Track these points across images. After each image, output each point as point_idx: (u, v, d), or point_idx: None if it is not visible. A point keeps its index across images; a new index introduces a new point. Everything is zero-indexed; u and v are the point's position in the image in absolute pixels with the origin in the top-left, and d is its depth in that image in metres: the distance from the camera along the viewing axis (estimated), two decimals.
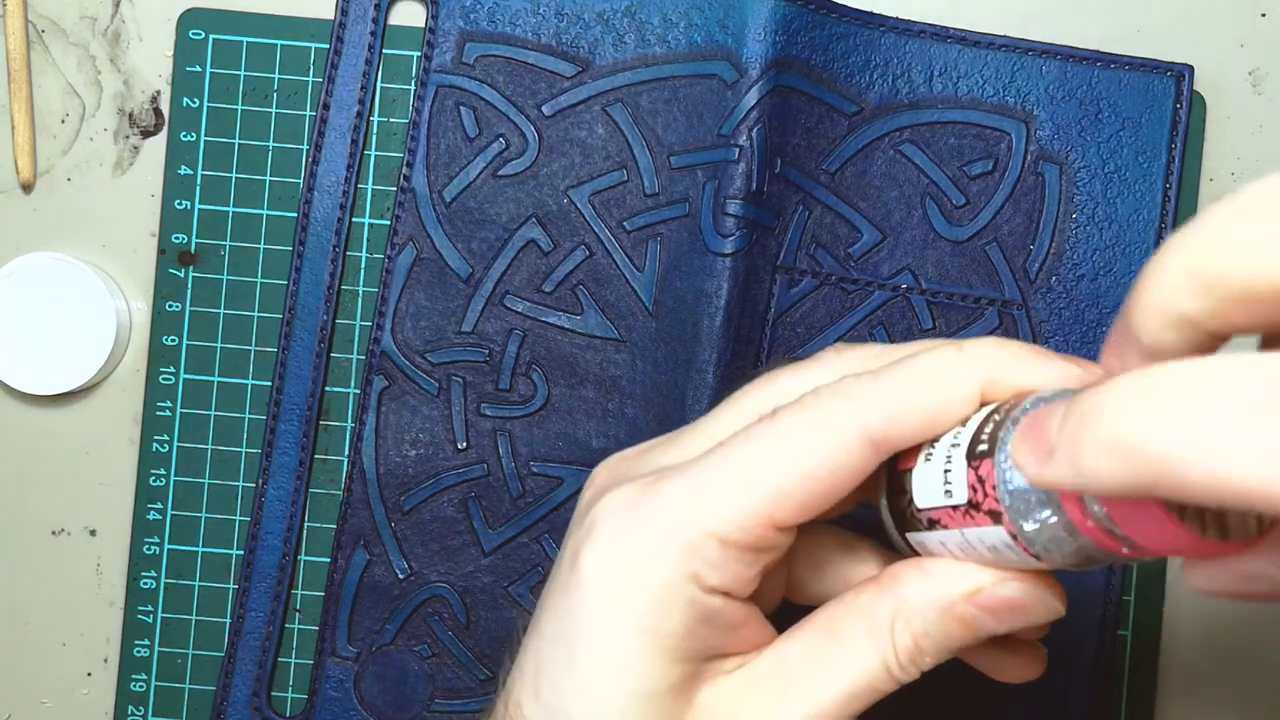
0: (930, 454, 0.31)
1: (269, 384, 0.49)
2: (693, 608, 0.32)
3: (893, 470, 0.33)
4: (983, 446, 0.30)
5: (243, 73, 0.49)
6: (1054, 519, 0.28)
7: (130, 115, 0.50)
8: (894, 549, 0.34)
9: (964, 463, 0.30)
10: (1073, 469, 0.24)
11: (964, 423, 0.31)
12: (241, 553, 0.49)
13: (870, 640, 0.32)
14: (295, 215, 0.49)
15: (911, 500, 0.32)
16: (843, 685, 0.32)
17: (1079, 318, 0.49)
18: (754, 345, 0.48)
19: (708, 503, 0.31)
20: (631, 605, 0.31)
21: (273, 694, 0.49)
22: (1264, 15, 0.50)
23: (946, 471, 0.31)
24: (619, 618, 0.32)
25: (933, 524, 0.32)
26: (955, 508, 0.31)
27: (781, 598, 0.37)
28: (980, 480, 0.30)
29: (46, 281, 0.48)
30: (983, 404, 0.31)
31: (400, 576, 0.48)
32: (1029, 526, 0.29)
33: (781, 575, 0.36)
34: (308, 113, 0.49)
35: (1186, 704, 0.50)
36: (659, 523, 0.32)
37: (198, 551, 0.49)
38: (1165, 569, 0.49)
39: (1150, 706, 0.50)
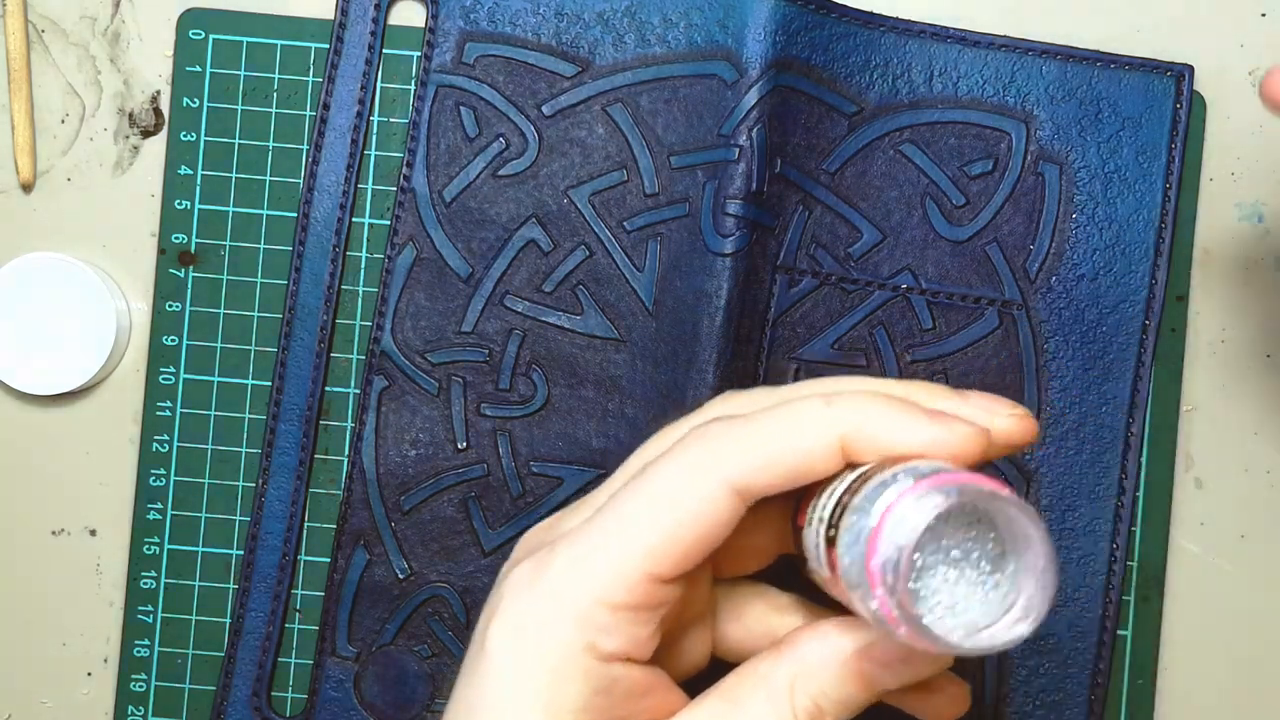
0: (810, 517, 0.32)
1: (269, 384, 0.49)
2: (590, 679, 0.32)
3: (795, 523, 0.33)
4: (833, 532, 0.30)
5: (243, 73, 0.49)
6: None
7: (130, 115, 0.50)
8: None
9: (824, 549, 0.31)
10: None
11: (839, 476, 0.31)
12: (241, 553, 0.49)
13: (770, 705, 0.32)
14: (295, 215, 0.49)
15: (805, 561, 0.33)
16: None
17: (1079, 318, 0.49)
18: (754, 345, 0.48)
19: (591, 569, 0.32)
20: (530, 679, 0.32)
21: (273, 694, 0.49)
22: (1264, 15, 0.50)
23: (817, 545, 0.31)
24: (519, 692, 0.32)
25: (828, 581, 0.32)
26: (828, 578, 0.31)
27: (708, 656, 0.37)
28: (834, 563, 0.30)
29: (46, 281, 0.48)
30: (851, 463, 0.31)
31: (400, 576, 0.48)
32: (872, 606, 0.29)
33: (705, 634, 0.36)
34: (308, 113, 0.49)
35: (1186, 704, 0.50)
36: (552, 595, 0.32)
37: (198, 551, 0.49)
38: (1165, 569, 0.50)
39: (1150, 706, 0.50)
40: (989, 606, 0.30)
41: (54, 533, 0.50)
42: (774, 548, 0.35)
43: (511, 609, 0.33)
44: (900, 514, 0.29)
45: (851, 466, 0.32)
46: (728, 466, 0.31)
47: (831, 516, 0.31)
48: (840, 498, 0.31)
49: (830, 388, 0.34)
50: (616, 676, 0.32)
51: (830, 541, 0.31)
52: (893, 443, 0.31)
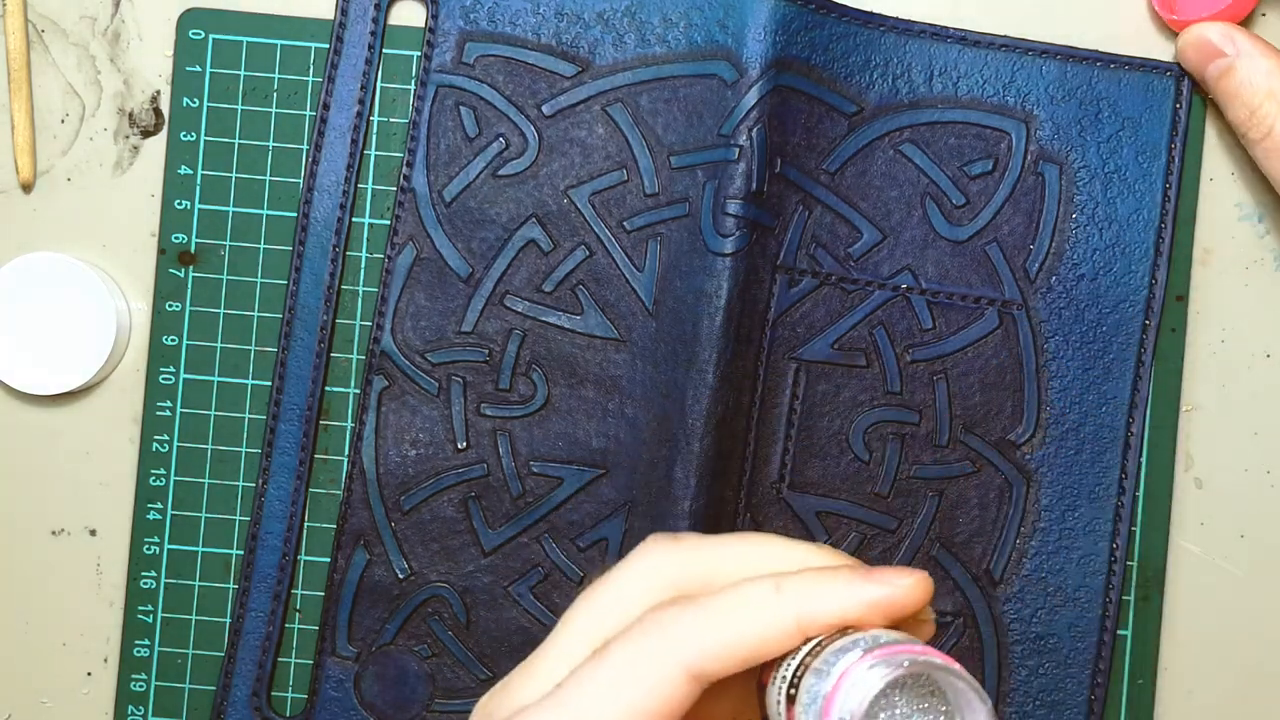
0: (774, 675, 0.33)
1: (269, 384, 0.49)
2: None
3: (760, 681, 0.34)
4: (794, 691, 0.32)
5: (243, 73, 0.49)
6: None
7: (130, 115, 0.50)
8: None
9: (785, 706, 0.32)
10: None
11: (795, 651, 0.33)
12: (241, 553, 0.49)
13: None
14: (295, 215, 0.49)
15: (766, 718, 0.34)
16: None
17: (1079, 318, 0.49)
18: (754, 345, 0.48)
19: None
20: None
21: (273, 694, 0.49)
22: (1264, 15, 0.50)
23: (778, 702, 0.33)
24: None
25: None
26: None
27: None
28: None
29: (46, 281, 0.48)
30: (807, 638, 0.33)
31: (400, 576, 0.48)
32: None
33: None
34: (308, 113, 0.49)
35: (1186, 704, 0.50)
36: None
37: (198, 551, 0.49)
38: (1165, 569, 0.50)
39: (1150, 706, 0.50)
40: None
41: (54, 533, 0.50)
42: (731, 713, 0.36)
43: None
44: (852, 681, 0.31)
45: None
46: (685, 652, 0.32)
47: (793, 676, 0.32)
48: (803, 659, 0.32)
49: (775, 564, 0.35)
50: None
51: (790, 700, 0.32)
52: (844, 614, 0.32)
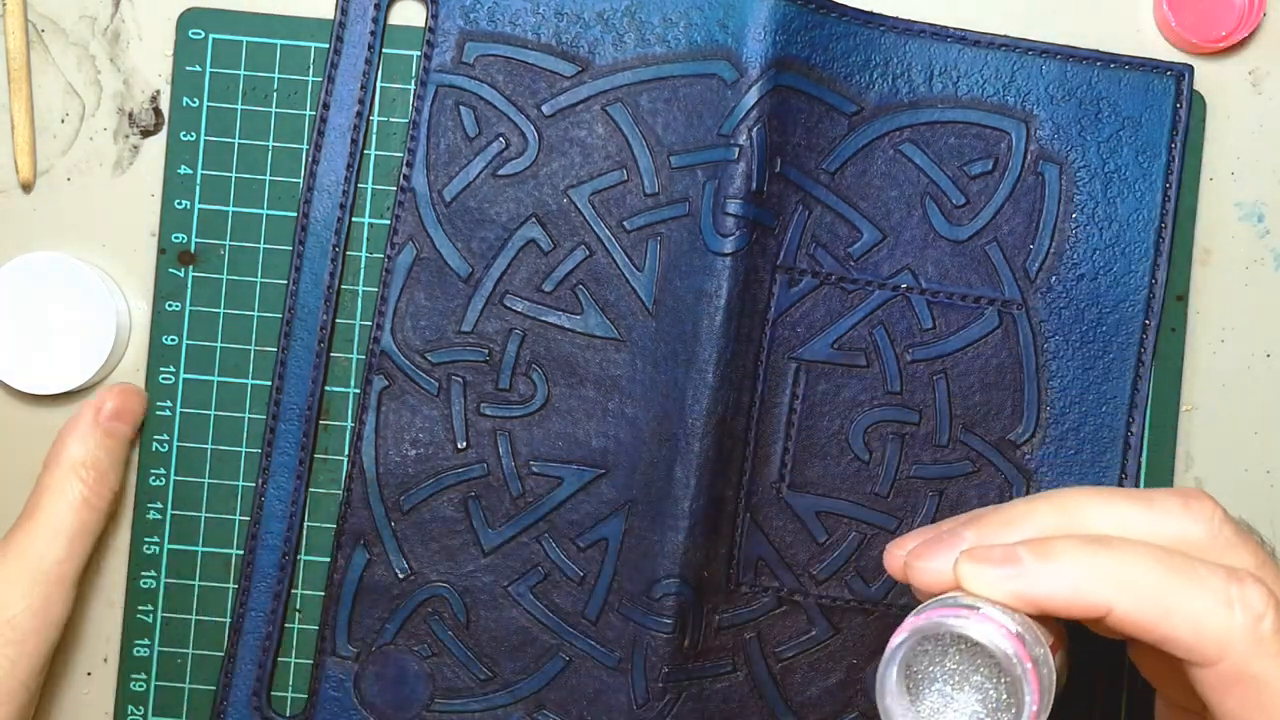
0: None
1: (269, 384, 0.49)
2: None
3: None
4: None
5: (243, 72, 0.49)
6: None
7: (130, 115, 0.50)
8: None
9: None
10: None
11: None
12: (241, 552, 0.49)
13: None
14: (295, 215, 0.49)
15: None
16: None
17: (1079, 317, 0.49)
18: (754, 345, 0.48)
19: None
20: None
21: (273, 694, 0.49)
22: (1264, 15, 0.50)
23: None
24: None
25: None
26: None
27: None
28: None
29: (46, 281, 0.48)
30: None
31: (400, 576, 0.48)
32: None
33: None
34: (308, 112, 0.49)
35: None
36: None
37: (198, 551, 0.49)
38: None
39: (1150, 706, 0.50)
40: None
41: None
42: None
43: None
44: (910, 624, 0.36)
45: None
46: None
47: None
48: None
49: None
50: None
51: None
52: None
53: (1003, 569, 0.35)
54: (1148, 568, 0.35)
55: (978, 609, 0.35)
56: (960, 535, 0.37)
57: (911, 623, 0.36)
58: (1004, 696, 0.36)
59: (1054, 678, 0.36)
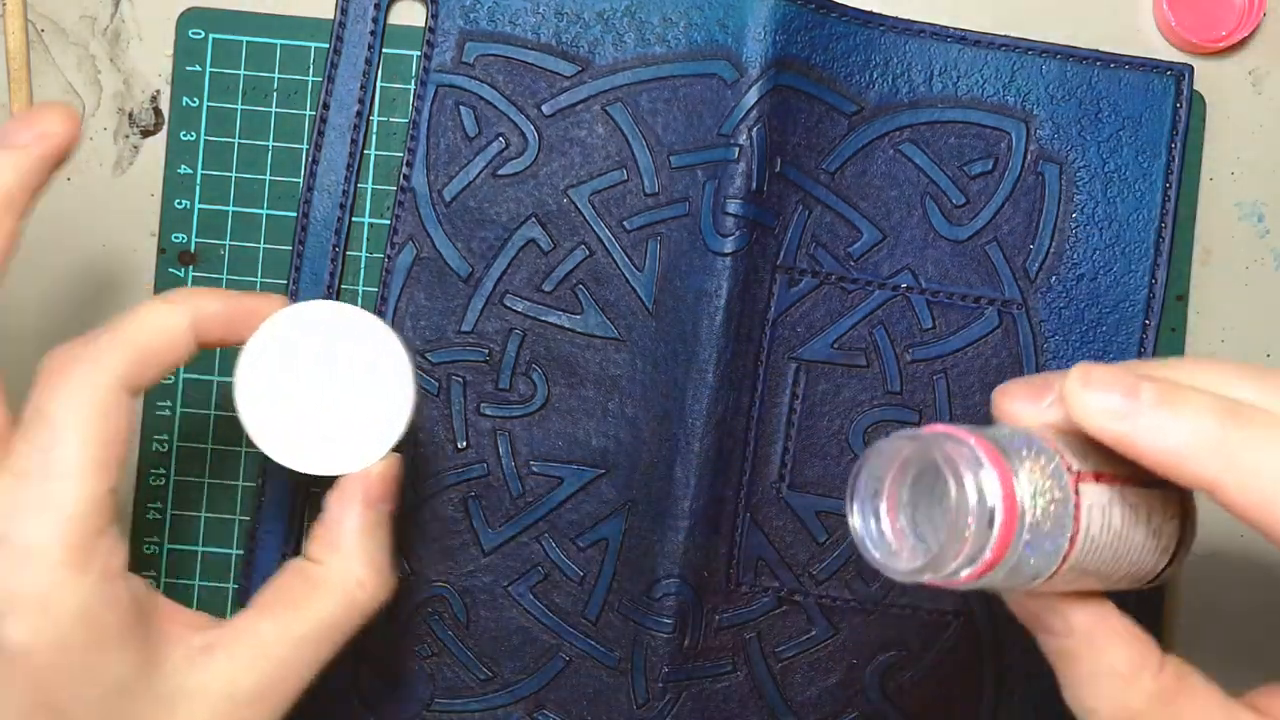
0: None
1: None
2: None
3: None
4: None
5: (243, 72, 0.49)
6: None
7: (130, 115, 0.50)
8: None
9: None
10: None
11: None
12: (241, 553, 0.49)
13: None
14: (295, 215, 0.49)
15: None
16: None
17: (1079, 317, 0.49)
18: (754, 345, 0.48)
19: None
20: None
21: None
22: (1264, 15, 0.50)
23: None
24: None
25: None
26: None
27: None
28: None
29: (321, 334, 0.40)
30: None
31: (400, 576, 0.48)
32: None
33: None
34: (308, 112, 0.49)
35: None
36: None
37: (198, 551, 0.49)
38: None
39: None
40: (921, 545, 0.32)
41: None
42: None
43: None
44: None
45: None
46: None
47: None
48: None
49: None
50: None
51: None
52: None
53: (1113, 399, 0.30)
54: None
55: (1023, 456, 0.31)
56: (1051, 384, 0.33)
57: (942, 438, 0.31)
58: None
59: (1050, 562, 0.31)
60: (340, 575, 0.39)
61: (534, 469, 0.48)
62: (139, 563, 0.49)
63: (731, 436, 0.48)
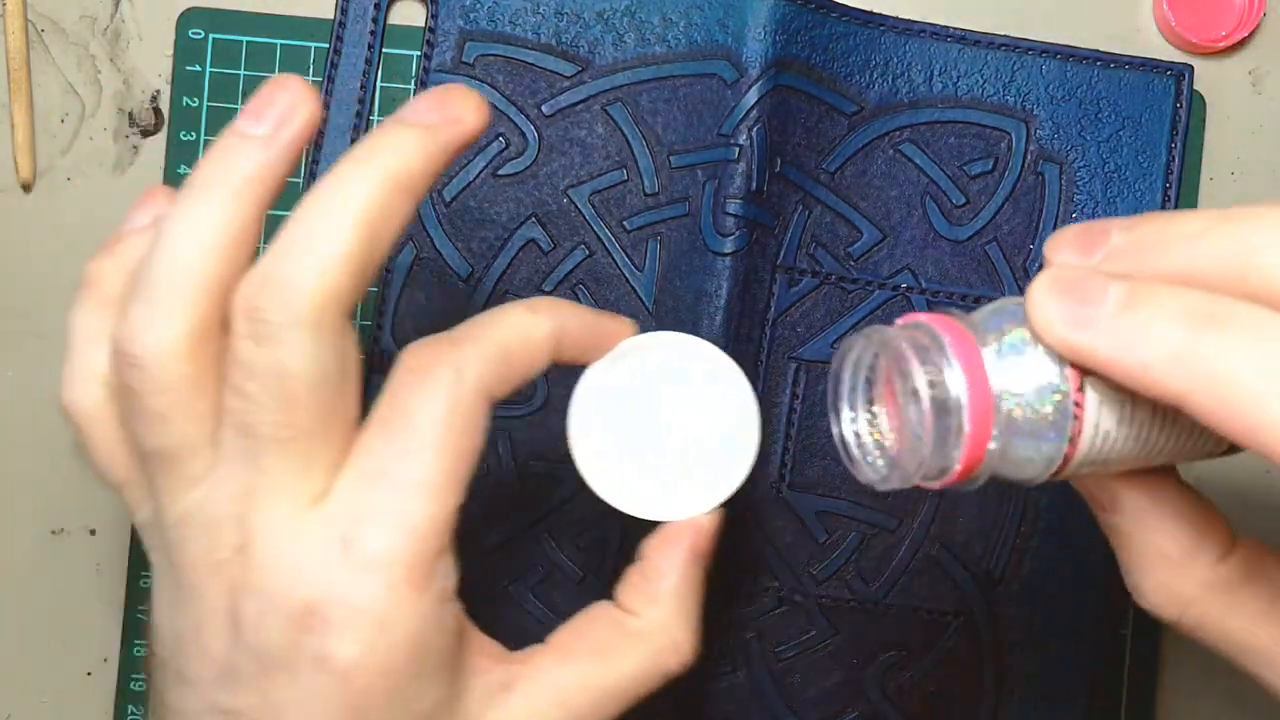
0: None
1: None
2: None
3: None
4: None
5: (243, 72, 0.49)
6: None
7: (130, 115, 0.50)
8: None
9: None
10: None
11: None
12: None
13: None
14: None
15: None
16: None
17: None
18: (754, 344, 0.48)
19: None
20: None
21: None
22: (1264, 15, 0.50)
23: None
24: None
25: None
26: None
27: None
28: None
29: (676, 367, 0.38)
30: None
31: None
32: None
33: None
34: None
35: (1186, 704, 0.50)
36: None
37: None
38: None
39: (1150, 706, 0.50)
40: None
41: (54, 533, 0.50)
42: None
43: None
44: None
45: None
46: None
47: None
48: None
49: None
50: None
51: None
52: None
53: (1068, 307, 0.27)
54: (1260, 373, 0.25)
55: (1021, 350, 0.27)
56: (1108, 233, 0.28)
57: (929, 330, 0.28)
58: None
59: (1037, 468, 0.28)
60: (658, 632, 0.36)
61: (534, 469, 0.48)
62: (139, 563, 0.49)
63: None
